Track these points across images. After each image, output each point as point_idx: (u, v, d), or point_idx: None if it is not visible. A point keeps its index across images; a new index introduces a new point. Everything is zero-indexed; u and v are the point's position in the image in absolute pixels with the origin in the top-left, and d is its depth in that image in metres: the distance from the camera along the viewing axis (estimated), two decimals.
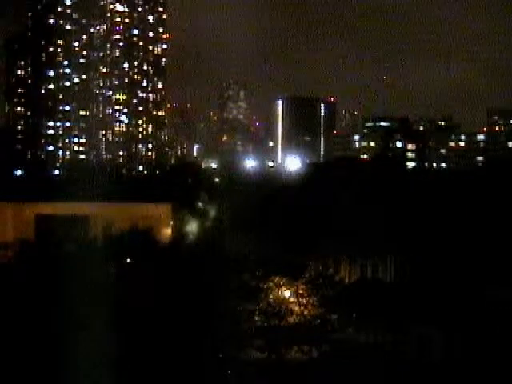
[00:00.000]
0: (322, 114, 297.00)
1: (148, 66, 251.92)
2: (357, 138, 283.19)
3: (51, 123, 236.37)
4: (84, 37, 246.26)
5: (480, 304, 59.32)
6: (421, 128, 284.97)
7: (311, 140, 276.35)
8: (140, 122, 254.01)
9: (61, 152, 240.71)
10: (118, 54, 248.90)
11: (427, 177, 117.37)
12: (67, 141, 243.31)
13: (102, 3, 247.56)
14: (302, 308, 64.04)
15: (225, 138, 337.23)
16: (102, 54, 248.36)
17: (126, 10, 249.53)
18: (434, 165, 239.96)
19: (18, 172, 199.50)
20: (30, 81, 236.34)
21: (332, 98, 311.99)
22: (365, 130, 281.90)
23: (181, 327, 52.96)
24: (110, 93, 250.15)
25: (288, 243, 77.94)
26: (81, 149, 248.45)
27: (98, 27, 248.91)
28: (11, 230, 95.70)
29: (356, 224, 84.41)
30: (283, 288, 66.12)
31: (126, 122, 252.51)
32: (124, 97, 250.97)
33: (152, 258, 71.29)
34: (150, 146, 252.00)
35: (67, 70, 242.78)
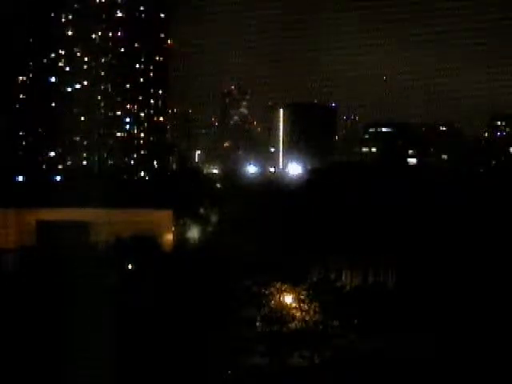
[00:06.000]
0: (323, 119, 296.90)
1: (150, 72, 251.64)
2: (358, 143, 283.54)
3: (52, 129, 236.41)
4: (86, 43, 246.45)
5: (483, 308, 59.28)
6: (422, 133, 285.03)
7: (312, 145, 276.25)
8: (141, 127, 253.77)
9: (62, 158, 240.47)
10: (119, 60, 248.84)
11: (429, 181, 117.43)
12: (69, 146, 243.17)
13: (103, 10, 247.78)
14: (303, 314, 64.03)
15: (226, 143, 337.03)
16: (103, 60, 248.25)
17: (128, 16, 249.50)
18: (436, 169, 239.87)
19: (20, 178, 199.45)
20: (31, 87, 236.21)
21: (333, 104, 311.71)
22: (366, 136, 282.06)
23: (182, 333, 52.96)
24: (112, 99, 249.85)
25: (289, 249, 77.93)
26: (82, 154, 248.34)
27: (99, 33, 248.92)
28: (12, 236, 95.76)
29: (358, 229, 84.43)
30: (285, 294, 66.13)
31: (128, 127, 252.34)
32: (126, 103, 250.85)
33: (154, 263, 71.34)
34: (151, 151, 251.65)
35: (69, 77, 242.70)
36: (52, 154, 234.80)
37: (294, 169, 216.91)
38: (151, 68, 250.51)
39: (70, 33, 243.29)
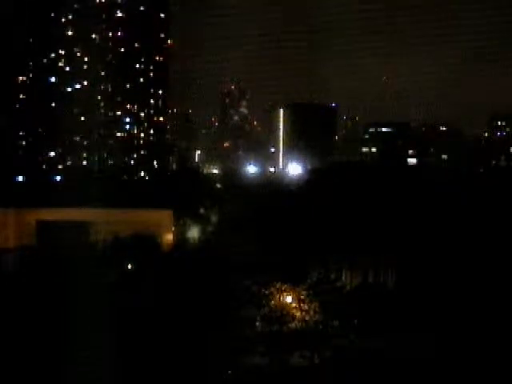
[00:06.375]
0: (323, 119, 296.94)
1: (150, 72, 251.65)
2: (358, 143, 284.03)
3: (53, 129, 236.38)
4: (86, 43, 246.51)
5: (483, 308, 59.26)
6: (422, 133, 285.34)
7: (312, 145, 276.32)
8: (141, 127, 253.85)
9: (62, 158, 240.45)
10: (119, 60, 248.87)
11: (429, 181, 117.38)
12: (69, 146, 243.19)
13: (103, 10, 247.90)
14: (303, 314, 64.04)
15: (226, 143, 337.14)
16: (103, 60, 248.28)
17: (128, 16, 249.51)
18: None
19: (20, 178, 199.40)
20: (31, 87, 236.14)
21: (333, 104, 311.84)
22: (366, 136, 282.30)
23: (183, 333, 52.94)
24: (112, 99, 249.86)
25: (289, 249, 77.87)
26: (82, 154, 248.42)
27: (99, 33, 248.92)
28: (12, 236, 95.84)
29: (358, 229, 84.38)
30: (285, 294, 66.14)
31: (128, 127, 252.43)
32: (126, 103, 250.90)
33: (154, 263, 71.32)
34: (151, 151, 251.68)
35: (69, 77, 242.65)
36: (52, 154, 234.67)
37: (294, 169, 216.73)
38: (151, 68, 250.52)
39: (70, 33, 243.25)
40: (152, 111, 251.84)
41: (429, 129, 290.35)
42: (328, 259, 79.99)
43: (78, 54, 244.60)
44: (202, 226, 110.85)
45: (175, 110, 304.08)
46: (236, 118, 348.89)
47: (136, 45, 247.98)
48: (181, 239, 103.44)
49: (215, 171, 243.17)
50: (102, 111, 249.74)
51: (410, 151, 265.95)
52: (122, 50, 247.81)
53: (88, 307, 51.13)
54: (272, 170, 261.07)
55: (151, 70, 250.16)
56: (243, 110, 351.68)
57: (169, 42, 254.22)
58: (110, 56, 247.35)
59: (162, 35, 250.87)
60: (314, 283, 69.21)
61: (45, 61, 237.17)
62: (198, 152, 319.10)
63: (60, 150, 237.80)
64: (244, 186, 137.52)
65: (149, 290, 59.19)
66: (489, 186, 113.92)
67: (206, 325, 54.60)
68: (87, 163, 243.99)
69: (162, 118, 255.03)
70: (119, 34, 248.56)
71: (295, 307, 64.64)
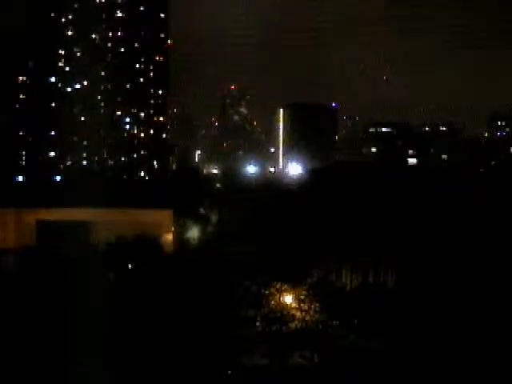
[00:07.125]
0: (324, 119, 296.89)
1: (150, 72, 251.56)
2: (358, 143, 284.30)
3: (52, 129, 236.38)
4: (86, 43, 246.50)
5: (483, 309, 59.26)
6: (422, 133, 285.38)
7: (312, 145, 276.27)
8: (141, 127, 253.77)
9: (62, 158, 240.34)
10: (119, 60, 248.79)
11: (429, 181, 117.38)
12: (69, 146, 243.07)
13: (103, 10, 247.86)
14: (303, 314, 64.05)
15: (226, 143, 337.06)
16: (103, 60, 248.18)
17: (128, 16, 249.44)
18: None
19: (20, 178, 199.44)
20: (31, 87, 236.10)
21: (333, 104, 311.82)
22: (366, 136, 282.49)
23: (183, 333, 52.97)
24: (112, 99, 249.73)
25: (289, 249, 77.87)
26: (82, 154, 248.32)
27: (99, 33, 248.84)
28: (13, 236, 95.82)
29: (358, 229, 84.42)
30: (285, 294, 66.14)
31: (128, 127, 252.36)
32: (126, 102, 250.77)
33: (154, 263, 71.33)
34: (151, 151, 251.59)
35: (69, 77, 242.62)
36: (52, 154, 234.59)
37: (294, 169, 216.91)
38: (151, 68, 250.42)
39: (69, 33, 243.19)
40: (152, 111, 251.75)
41: (430, 128, 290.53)
42: (328, 259, 79.92)
43: (78, 54, 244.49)
44: (201, 226, 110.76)
45: (175, 110, 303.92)
46: (236, 117, 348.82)
47: (136, 45, 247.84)
48: (181, 239, 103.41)
49: (215, 171, 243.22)
50: (102, 111, 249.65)
51: (410, 151, 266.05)
52: (122, 49, 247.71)
53: (88, 307, 51.17)
54: (272, 170, 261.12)
55: (151, 70, 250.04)
56: (243, 110, 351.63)
57: (169, 41, 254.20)
58: (110, 56, 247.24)
59: (162, 35, 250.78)
60: (314, 283, 69.15)
61: (45, 61, 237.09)
62: (198, 152, 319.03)
63: (60, 150, 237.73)
64: (244, 186, 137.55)
65: (149, 291, 59.21)
66: (489, 185, 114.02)
67: (206, 325, 54.62)
68: (87, 163, 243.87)
69: (162, 118, 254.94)
70: (119, 33, 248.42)
71: (295, 307, 64.64)
